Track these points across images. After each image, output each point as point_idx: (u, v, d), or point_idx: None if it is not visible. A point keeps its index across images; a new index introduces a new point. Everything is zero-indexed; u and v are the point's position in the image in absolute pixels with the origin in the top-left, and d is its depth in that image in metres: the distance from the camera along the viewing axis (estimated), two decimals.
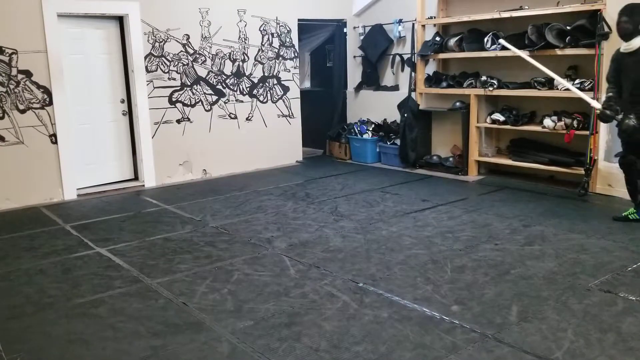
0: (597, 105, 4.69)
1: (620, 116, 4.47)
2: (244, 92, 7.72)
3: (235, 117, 7.67)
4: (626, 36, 4.52)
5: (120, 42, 6.83)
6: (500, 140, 7.15)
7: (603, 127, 5.77)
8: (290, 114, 8.24)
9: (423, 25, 7.47)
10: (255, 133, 7.85)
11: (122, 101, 6.93)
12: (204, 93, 7.36)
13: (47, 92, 6.18)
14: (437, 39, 7.24)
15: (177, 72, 7.11)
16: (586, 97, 5.07)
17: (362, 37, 8.51)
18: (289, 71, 8.14)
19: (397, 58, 8.12)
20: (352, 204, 5.86)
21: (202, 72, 7.31)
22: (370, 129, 8.22)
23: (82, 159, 6.60)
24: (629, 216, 4.89)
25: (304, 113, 8.40)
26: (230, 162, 7.64)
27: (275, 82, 8.01)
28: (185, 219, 5.54)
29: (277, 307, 3.46)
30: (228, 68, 7.53)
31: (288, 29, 8.04)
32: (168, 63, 7.02)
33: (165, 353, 2.97)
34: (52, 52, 6.13)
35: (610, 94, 4.68)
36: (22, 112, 6.07)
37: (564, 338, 2.97)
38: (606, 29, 5.55)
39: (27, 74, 6.06)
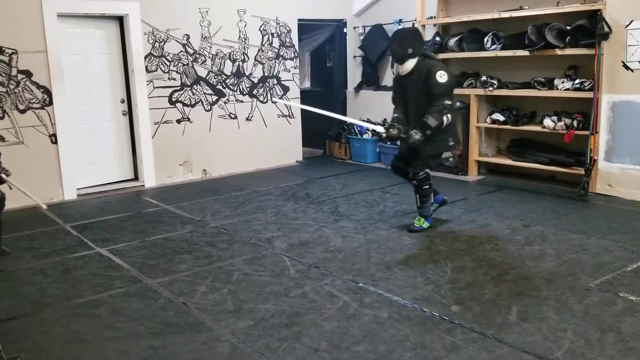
0: (380, 129, 4.91)
1: (403, 135, 4.71)
2: (244, 92, 7.72)
3: (235, 117, 7.67)
4: (399, 60, 4.76)
5: (120, 42, 6.83)
6: (500, 140, 7.15)
7: (603, 127, 5.78)
8: (290, 114, 8.24)
9: (423, 25, 7.46)
10: (255, 133, 7.84)
11: (122, 101, 6.93)
12: (204, 93, 7.36)
13: (47, 92, 6.18)
14: (437, 39, 7.24)
15: (177, 72, 7.11)
16: (372, 125, 5.45)
17: (362, 37, 8.51)
18: (289, 71, 8.14)
19: None
20: (352, 204, 5.86)
21: (202, 72, 7.31)
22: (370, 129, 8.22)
23: (82, 159, 6.60)
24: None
25: (304, 113, 8.39)
26: (230, 162, 7.63)
27: (275, 82, 8.01)
28: (185, 219, 5.54)
29: (277, 307, 3.46)
30: (228, 68, 7.53)
31: (288, 29, 8.03)
32: (168, 63, 7.02)
33: (165, 353, 2.97)
34: (52, 52, 6.13)
35: (395, 115, 4.94)
36: (22, 112, 6.07)
37: (564, 338, 2.97)
38: (606, 29, 5.55)
39: (27, 74, 6.06)
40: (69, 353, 3.01)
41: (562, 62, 6.21)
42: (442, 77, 4.50)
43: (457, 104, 7.06)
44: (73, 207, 6.14)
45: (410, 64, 4.65)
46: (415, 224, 4.91)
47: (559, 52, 6.01)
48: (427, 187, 4.85)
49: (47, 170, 6.26)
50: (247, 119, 7.78)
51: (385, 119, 8.22)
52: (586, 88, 5.86)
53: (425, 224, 4.91)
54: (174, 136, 7.16)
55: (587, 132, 5.84)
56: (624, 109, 5.64)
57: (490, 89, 6.65)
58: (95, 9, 6.44)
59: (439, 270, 3.98)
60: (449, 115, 4.57)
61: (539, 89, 6.28)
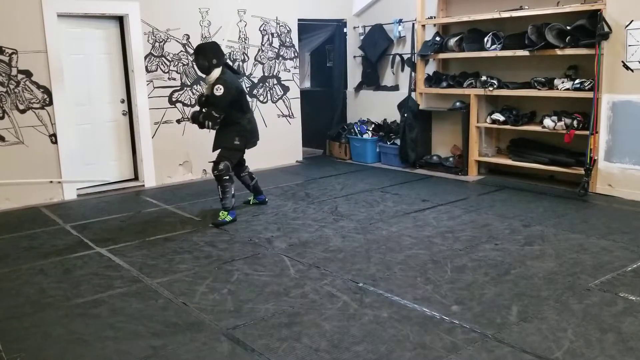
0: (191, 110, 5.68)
1: (200, 119, 5.29)
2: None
3: None
4: (204, 71, 5.27)
5: (120, 42, 6.83)
6: (500, 140, 7.15)
7: (603, 127, 5.78)
8: (290, 114, 8.24)
9: (423, 25, 7.47)
10: None
11: (122, 101, 6.93)
12: None
13: (47, 92, 6.18)
14: (437, 39, 7.24)
15: (177, 72, 7.11)
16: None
17: (362, 37, 8.51)
18: (289, 71, 8.14)
19: (397, 58, 8.12)
20: (352, 204, 5.86)
21: None
22: (370, 129, 8.22)
23: (82, 159, 6.60)
24: None
25: (304, 113, 8.39)
26: None
27: (275, 82, 8.01)
28: (185, 219, 5.54)
29: (277, 307, 3.46)
30: None
31: (288, 29, 8.03)
32: (168, 63, 7.02)
33: (165, 353, 2.97)
34: (52, 52, 6.13)
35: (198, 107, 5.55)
36: (22, 112, 6.07)
37: (564, 338, 2.97)
38: (606, 29, 5.55)
39: (27, 74, 6.05)
40: (69, 353, 3.01)
41: (562, 62, 6.22)
42: (218, 90, 5.07)
43: (457, 104, 7.08)
44: (73, 207, 6.14)
45: (216, 73, 5.17)
46: (220, 218, 5.31)
47: (559, 52, 6.01)
48: (227, 178, 5.28)
49: (47, 170, 6.26)
50: None
51: (385, 119, 8.25)
52: (586, 88, 5.86)
53: (228, 217, 5.31)
54: (174, 136, 7.16)
55: (587, 132, 5.85)
56: (624, 109, 5.65)
57: (490, 89, 6.65)
58: (95, 9, 6.44)
59: (439, 270, 3.98)
60: (210, 123, 5.21)
61: (539, 89, 6.28)
